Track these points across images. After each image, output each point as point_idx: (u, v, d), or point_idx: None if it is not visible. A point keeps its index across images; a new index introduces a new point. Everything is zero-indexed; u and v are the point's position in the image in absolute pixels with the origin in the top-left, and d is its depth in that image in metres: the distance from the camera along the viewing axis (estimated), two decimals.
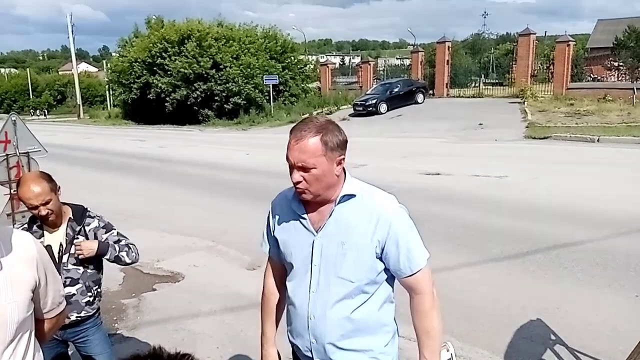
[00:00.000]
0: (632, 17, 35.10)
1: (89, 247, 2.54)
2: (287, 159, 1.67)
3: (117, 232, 2.73)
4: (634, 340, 2.72)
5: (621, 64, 25.03)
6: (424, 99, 25.85)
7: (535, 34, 25.11)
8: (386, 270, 1.77)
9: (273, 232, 1.90)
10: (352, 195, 1.74)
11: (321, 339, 1.77)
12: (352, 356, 1.78)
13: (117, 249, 2.65)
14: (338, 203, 1.73)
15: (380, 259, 1.73)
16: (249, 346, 3.89)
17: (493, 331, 3.94)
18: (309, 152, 1.62)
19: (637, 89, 19.85)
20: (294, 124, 1.73)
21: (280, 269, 1.95)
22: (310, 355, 1.82)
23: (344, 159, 1.71)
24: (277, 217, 1.87)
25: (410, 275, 1.73)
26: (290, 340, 1.94)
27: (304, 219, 1.78)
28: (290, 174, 1.69)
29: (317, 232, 1.75)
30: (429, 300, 1.75)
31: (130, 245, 2.73)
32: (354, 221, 1.71)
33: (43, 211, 2.42)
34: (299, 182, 1.66)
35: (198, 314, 4.50)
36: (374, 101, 24.38)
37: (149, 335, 4.07)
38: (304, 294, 1.79)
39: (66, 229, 2.56)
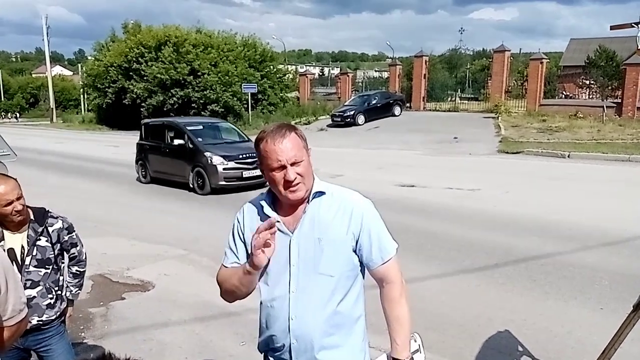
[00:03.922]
0: (603, 37, 36.16)
1: (69, 314, 2.85)
2: (276, 162, 1.69)
3: (76, 234, 2.78)
4: (598, 352, 2.79)
5: (592, 82, 25.76)
6: (401, 112, 26.14)
7: (510, 50, 25.72)
8: (360, 263, 1.83)
9: (243, 241, 1.88)
10: (323, 192, 1.80)
11: (303, 338, 1.77)
12: (333, 354, 1.79)
13: (80, 286, 2.89)
14: (311, 200, 1.78)
15: (355, 251, 1.80)
16: (219, 357, 3.85)
17: (461, 342, 3.99)
18: (296, 146, 1.71)
19: (606, 106, 20.46)
20: (258, 137, 1.75)
21: None
22: (289, 357, 1.81)
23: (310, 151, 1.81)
24: (247, 225, 1.86)
25: (382, 265, 1.81)
26: (262, 350, 1.92)
27: (278, 222, 1.78)
28: (280, 178, 1.69)
29: (292, 232, 1.78)
30: (398, 288, 1.83)
31: (82, 259, 2.84)
32: (328, 216, 1.77)
33: (19, 206, 2.43)
34: (294, 179, 1.69)
35: (167, 324, 4.43)
36: (351, 112, 24.54)
37: (117, 345, 3.98)
38: (283, 295, 1.79)
39: (27, 230, 2.53)
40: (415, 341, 1.96)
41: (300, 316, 1.77)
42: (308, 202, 1.78)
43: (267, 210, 1.81)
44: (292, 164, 1.69)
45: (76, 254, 2.78)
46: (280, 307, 1.80)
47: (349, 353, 1.83)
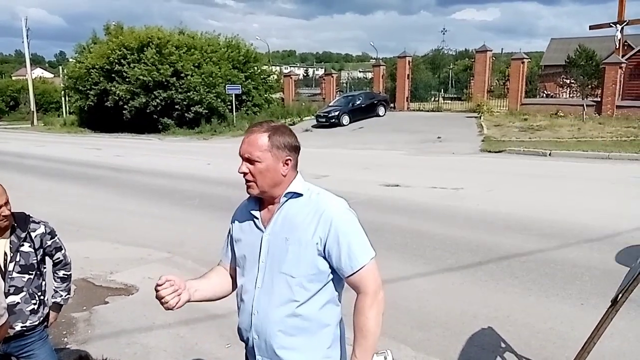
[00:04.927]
0: (583, 37, 36.73)
1: (53, 320, 2.84)
2: (239, 152, 1.80)
3: (58, 238, 2.76)
4: (579, 347, 2.84)
5: (572, 81, 26.16)
6: (385, 112, 26.27)
7: (491, 50, 26.01)
8: (332, 271, 1.81)
9: (232, 235, 1.99)
10: (299, 194, 1.82)
11: (263, 334, 1.81)
12: (292, 354, 1.80)
13: (68, 290, 2.87)
14: (284, 200, 1.82)
15: (324, 257, 1.78)
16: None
17: (446, 340, 4.02)
18: (256, 145, 1.76)
19: (586, 105, 20.78)
20: (252, 123, 1.85)
21: (228, 270, 2.04)
22: (253, 352, 1.85)
23: (290, 160, 1.80)
24: (236, 221, 1.97)
25: (353, 274, 1.76)
26: (239, 337, 1.97)
27: (257, 218, 1.86)
28: (239, 167, 1.80)
29: (265, 229, 1.83)
30: (368, 300, 1.75)
31: (67, 262, 2.83)
32: (298, 218, 1.79)
33: (6, 211, 2.42)
34: (245, 174, 1.79)
35: (152, 327, 4.40)
36: (336, 113, 24.61)
37: (100, 350, 3.95)
38: (250, 290, 1.85)
39: (10, 236, 2.50)
40: (385, 358, 1.90)
41: (261, 312, 1.81)
42: (279, 202, 1.82)
43: (250, 206, 1.90)
44: (245, 159, 1.78)
45: (61, 257, 2.77)
46: (247, 301, 1.86)
47: (309, 357, 1.82)
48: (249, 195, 1.89)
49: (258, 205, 1.88)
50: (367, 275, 1.77)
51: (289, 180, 1.82)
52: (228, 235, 2.03)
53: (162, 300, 1.72)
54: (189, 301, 1.81)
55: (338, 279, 1.84)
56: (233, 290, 2.01)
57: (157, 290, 1.72)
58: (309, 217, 1.78)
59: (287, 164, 1.79)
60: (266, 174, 1.76)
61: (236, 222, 1.97)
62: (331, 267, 1.80)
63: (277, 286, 1.79)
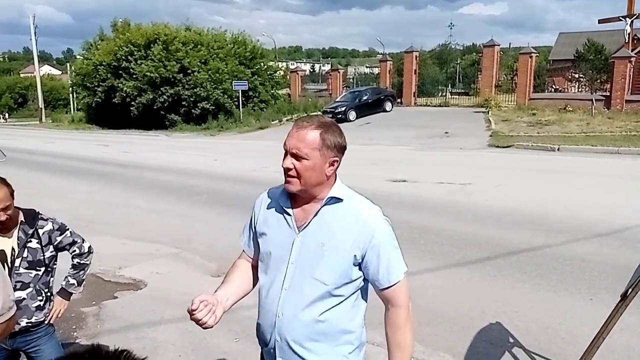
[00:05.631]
0: (592, 31, 36.45)
1: (61, 307, 2.76)
2: (284, 145, 1.72)
3: (71, 232, 2.74)
4: (588, 342, 2.82)
5: (581, 75, 25.97)
6: (392, 107, 26.22)
7: (499, 45, 25.86)
8: (363, 279, 1.79)
9: (255, 226, 1.90)
10: (339, 199, 1.76)
11: (285, 337, 1.77)
12: (315, 359, 1.78)
13: (78, 279, 2.83)
14: (325, 204, 1.75)
15: (359, 266, 1.75)
16: (212, 354, 3.85)
17: (454, 335, 4.02)
18: (306, 142, 1.67)
19: (595, 100, 20.62)
20: (299, 117, 1.78)
21: (251, 261, 1.97)
22: (273, 353, 1.82)
23: (337, 161, 1.75)
24: (262, 210, 1.88)
25: (388, 287, 1.75)
26: (257, 335, 1.94)
27: (289, 215, 1.78)
28: (283, 160, 1.72)
29: (299, 230, 1.76)
30: (404, 314, 1.76)
31: (84, 252, 2.80)
32: (337, 225, 1.73)
33: (3, 217, 2.38)
34: (289, 170, 1.70)
35: (160, 322, 4.42)
36: (343, 108, 24.58)
37: (109, 344, 3.95)
38: (276, 290, 1.78)
39: (18, 232, 2.51)
40: None
41: (287, 315, 1.76)
42: (318, 203, 1.75)
43: (282, 200, 1.81)
44: (292, 155, 1.69)
45: (77, 250, 2.76)
46: (272, 302, 1.79)
47: None
48: (279, 187, 1.82)
49: (290, 202, 1.79)
50: (402, 289, 1.77)
51: (331, 182, 1.76)
52: (250, 226, 1.94)
53: (200, 322, 1.67)
54: (224, 312, 1.78)
55: (365, 286, 1.82)
56: (255, 282, 1.95)
57: (192, 314, 1.66)
58: (349, 225, 1.73)
59: (333, 165, 1.73)
60: (311, 173, 1.69)
61: (262, 214, 1.87)
62: (364, 277, 1.78)
63: (306, 290, 1.74)
